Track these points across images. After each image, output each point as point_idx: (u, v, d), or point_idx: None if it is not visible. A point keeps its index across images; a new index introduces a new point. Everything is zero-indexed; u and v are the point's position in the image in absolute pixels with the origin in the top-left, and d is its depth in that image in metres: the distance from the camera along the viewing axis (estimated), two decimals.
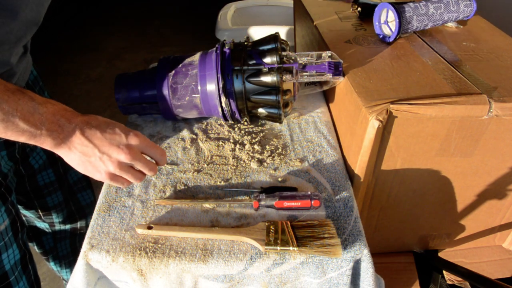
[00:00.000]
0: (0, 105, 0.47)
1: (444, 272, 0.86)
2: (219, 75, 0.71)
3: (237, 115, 0.77)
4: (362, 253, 0.59)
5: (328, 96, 0.89)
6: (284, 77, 0.71)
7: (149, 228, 0.60)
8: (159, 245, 0.59)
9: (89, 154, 0.53)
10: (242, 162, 0.73)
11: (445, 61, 0.75)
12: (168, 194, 0.68)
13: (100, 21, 3.56)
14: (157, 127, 0.83)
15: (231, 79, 0.71)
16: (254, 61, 0.71)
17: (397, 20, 0.78)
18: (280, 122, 0.80)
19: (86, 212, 1.01)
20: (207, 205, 0.65)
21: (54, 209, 0.92)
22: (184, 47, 3.01)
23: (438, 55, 0.77)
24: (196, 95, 0.74)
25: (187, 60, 0.76)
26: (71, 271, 0.95)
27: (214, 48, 0.75)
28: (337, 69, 0.73)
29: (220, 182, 0.70)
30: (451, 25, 0.89)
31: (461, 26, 0.88)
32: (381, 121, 0.62)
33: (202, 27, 3.34)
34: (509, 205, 0.79)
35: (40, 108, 0.49)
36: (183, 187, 0.69)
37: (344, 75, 0.73)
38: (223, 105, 0.74)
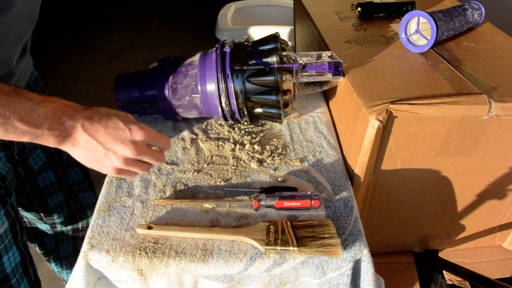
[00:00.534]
0: None
1: (444, 272, 0.86)
2: (219, 75, 0.71)
3: (237, 115, 0.77)
4: (362, 253, 0.59)
5: (328, 96, 0.89)
6: (284, 77, 0.71)
7: (149, 228, 0.60)
8: (159, 245, 0.59)
9: (93, 150, 0.52)
10: (242, 162, 0.73)
11: (445, 61, 0.75)
12: (168, 194, 0.68)
13: (100, 21, 3.56)
14: (157, 127, 0.83)
15: (231, 79, 0.71)
16: (254, 61, 0.71)
17: (434, 26, 0.75)
18: (280, 122, 0.80)
19: (87, 212, 1.01)
20: (207, 205, 0.65)
21: (55, 210, 0.92)
22: (184, 47, 3.00)
23: (438, 55, 0.77)
24: (196, 95, 0.74)
25: (187, 60, 0.76)
26: (72, 272, 0.95)
27: (214, 48, 0.75)
28: (337, 69, 0.73)
29: (220, 182, 0.70)
30: None
31: None
32: (381, 121, 0.62)
33: (202, 27, 3.34)
34: (509, 205, 0.79)
35: (38, 108, 0.49)
36: (183, 187, 0.69)
37: (344, 75, 0.73)
38: (223, 105, 0.74)
